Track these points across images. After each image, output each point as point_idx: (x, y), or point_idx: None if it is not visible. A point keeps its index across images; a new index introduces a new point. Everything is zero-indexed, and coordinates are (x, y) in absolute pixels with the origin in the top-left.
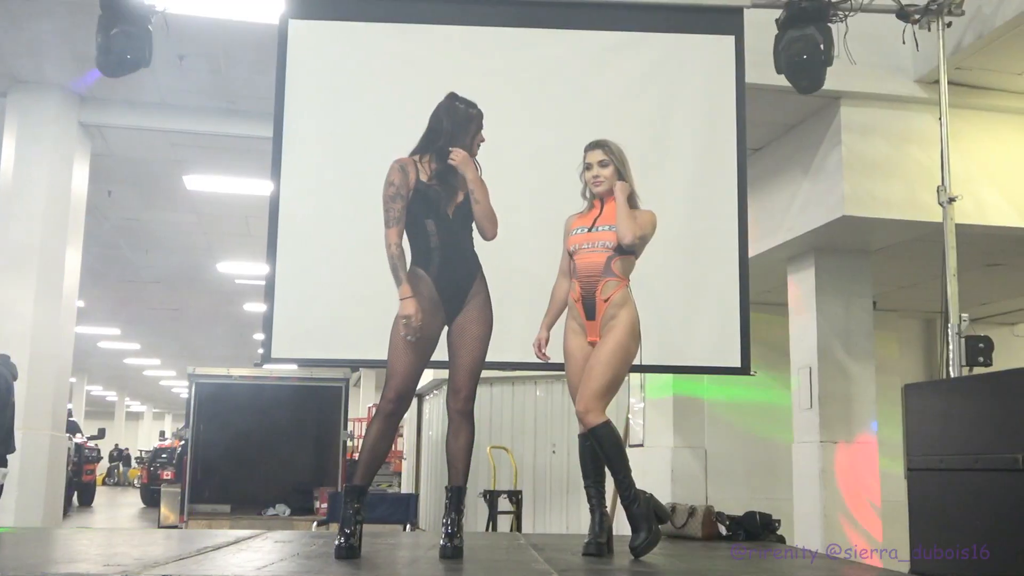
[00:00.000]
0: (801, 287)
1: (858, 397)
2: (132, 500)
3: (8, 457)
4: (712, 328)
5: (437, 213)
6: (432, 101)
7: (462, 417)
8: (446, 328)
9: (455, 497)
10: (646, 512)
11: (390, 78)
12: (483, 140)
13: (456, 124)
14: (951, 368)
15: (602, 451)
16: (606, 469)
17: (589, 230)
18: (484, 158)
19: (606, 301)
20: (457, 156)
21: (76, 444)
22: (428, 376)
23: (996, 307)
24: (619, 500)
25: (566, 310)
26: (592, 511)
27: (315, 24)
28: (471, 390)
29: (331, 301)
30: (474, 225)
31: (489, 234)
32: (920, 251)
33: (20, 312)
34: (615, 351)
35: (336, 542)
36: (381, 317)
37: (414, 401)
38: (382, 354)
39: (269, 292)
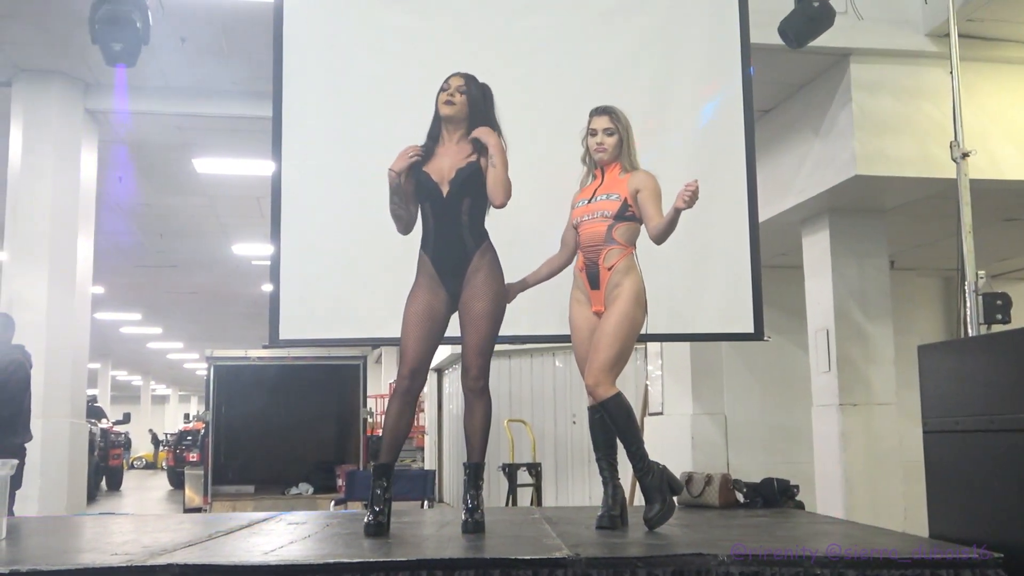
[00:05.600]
0: (816, 249)
1: (876, 359)
2: (160, 483)
3: (27, 446)
4: (723, 295)
5: (430, 195)
6: (430, 74)
7: (474, 395)
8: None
9: (473, 473)
10: (659, 484)
11: (387, 52)
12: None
13: (485, 103)
14: (969, 326)
15: (613, 424)
16: (618, 441)
17: (589, 201)
18: None
19: (609, 269)
20: (479, 130)
21: (102, 430)
22: (447, 351)
23: (1015, 263)
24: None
25: (572, 282)
26: (605, 484)
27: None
28: (480, 368)
29: (336, 280)
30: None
31: (499, 201)
32: (936, 208)
33: (34, 301)
34: (621, 322)
35: (365, 520)
36: (385, 296)
37: (434, 376)
38: (387, 333)
39: (274, 273)
